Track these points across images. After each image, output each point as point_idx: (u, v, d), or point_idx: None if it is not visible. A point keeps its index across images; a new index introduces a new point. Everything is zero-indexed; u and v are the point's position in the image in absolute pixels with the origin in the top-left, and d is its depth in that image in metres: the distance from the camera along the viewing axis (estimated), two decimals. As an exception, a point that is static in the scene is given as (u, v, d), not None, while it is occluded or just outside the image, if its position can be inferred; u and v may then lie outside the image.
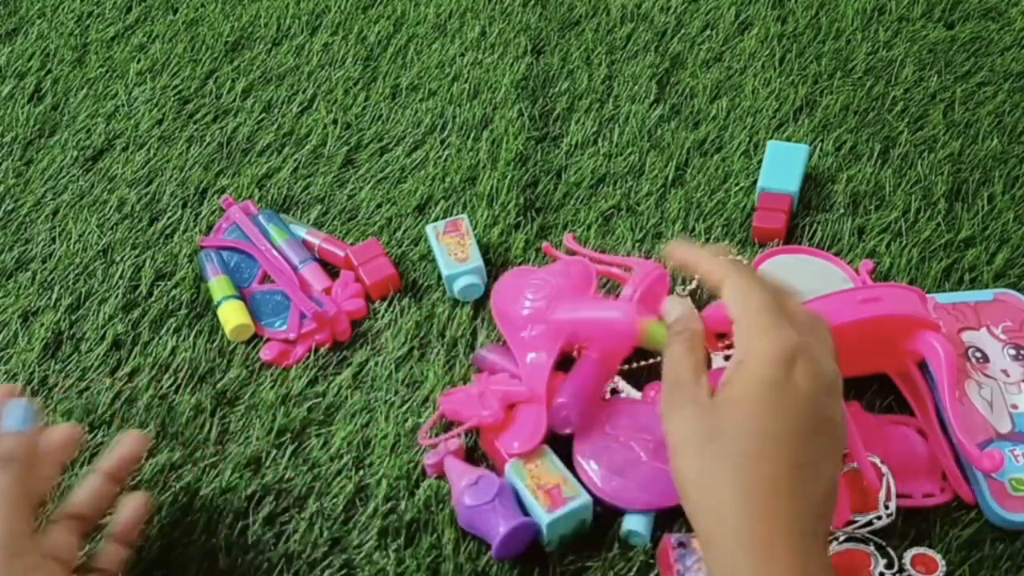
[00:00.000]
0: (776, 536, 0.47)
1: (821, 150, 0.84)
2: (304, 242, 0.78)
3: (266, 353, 0.72)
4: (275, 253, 0.77)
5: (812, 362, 0.50)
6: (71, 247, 0.80)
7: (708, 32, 0.94)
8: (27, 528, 0.53)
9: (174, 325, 0.75)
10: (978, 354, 0.69)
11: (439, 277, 0.76)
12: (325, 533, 0.64)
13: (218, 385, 0.71)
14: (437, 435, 0.67)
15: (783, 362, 0.49)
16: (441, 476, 0.65)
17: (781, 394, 0.49)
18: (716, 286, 0.55)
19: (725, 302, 0.53)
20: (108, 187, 0.85)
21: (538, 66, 0.92)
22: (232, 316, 0.73)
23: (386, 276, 0.75)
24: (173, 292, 0.77)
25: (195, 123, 0.89)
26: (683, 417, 0.50)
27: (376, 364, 0.72)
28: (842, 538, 0.62)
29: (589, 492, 0.62)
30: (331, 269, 0.77)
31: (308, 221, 0.81)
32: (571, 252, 0.77)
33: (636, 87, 0.90)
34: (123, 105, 0.91)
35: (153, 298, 0.77)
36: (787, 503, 0.47)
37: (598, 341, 0.66)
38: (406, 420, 0.69)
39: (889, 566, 0.61)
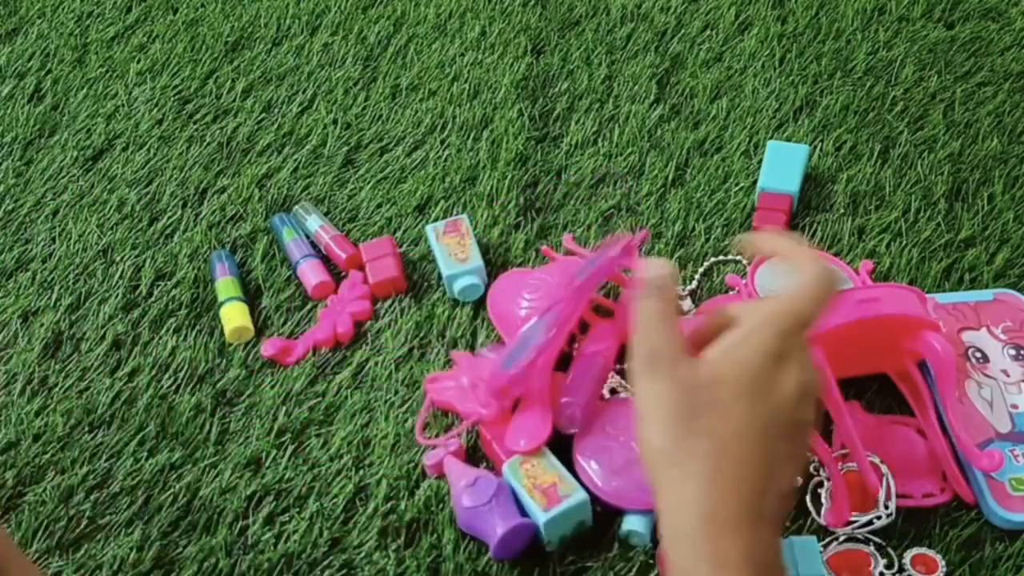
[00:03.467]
0: (734, 518, 0.47)
1: (821, 150, 0.84)
2: (316, 234, 0.78)
3: (267, 349, 0.72)
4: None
5: (802, 367, 0.50)
6: (71, 247, 0.80)
7: (708, 32, 0.94)
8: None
9: (174, 325, 0.75)
10: (978, 354, 0.69)
11: (439, 277, 0.76)
12: (325, 533, 0.64)
13: (218, 385, 0.71)
14: (437, 434, 0.67)
15: (775, 357, 0.49)
16: (441, 476, 0.65)
17: (767, 388, 0.49)
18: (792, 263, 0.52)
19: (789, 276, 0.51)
20: (108, 187, 0.85)
21: (538, 66, 0.92)
22: (233, 317, 0.73)
23: (388, 277, 0.75)
24: (173, 292, 0.77)
25: (195, 123, 0.89)
26: (660, 391, 0.49)
27: (376, 364, 0.72)
28: (842, 538, 0.62)
29: (590, 493, 0.62)
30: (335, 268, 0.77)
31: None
32: (570, 253, 0.77)
33: (636, 87, 0.90)
34: (123, 105, 0.91)
35: (153, 298, 0.77)
36: (750, 489, 0.48)
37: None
38: (406, 420, 0.69)
39: (889, 566, 0.61)
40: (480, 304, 0.75)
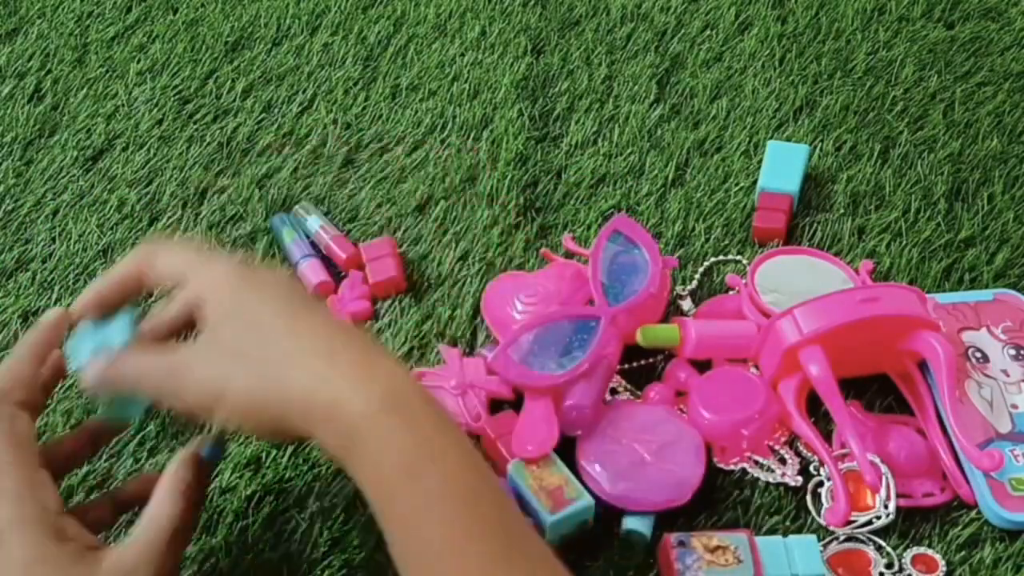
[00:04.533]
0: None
1: (821, 150, 0.84)
2: (317, 234, 0.78)
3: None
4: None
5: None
6: (71, 247, 0.80)
7: (708, 32, 0.94)
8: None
9: (174, 325, 0.75)
10: (978, 354, 0.69)
11: (439, 277, 0.76)
12: (325, 533, 0.64)
13: (218, 385, 0.71)
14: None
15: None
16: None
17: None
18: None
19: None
20: (108, 187, 0.85)
21: (538, 66, 0.92)
22: (232, 316, 0.73)
23: (388, 277, 0.75)
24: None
25: (195, 123, 0.89)
26: None
27: (376, 364, 0.72)
28: (842, 538, 0.62)
29: (595, 496, 0.62)
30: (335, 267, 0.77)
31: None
32: (569, 254, 0.77)
33: (636, 87, 0.90)
34: (123, 105, 0.91)
35: (153, 298, 0.77)
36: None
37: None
38: (406, 420, 0.69)
39: (889, 566, 0.61)
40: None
